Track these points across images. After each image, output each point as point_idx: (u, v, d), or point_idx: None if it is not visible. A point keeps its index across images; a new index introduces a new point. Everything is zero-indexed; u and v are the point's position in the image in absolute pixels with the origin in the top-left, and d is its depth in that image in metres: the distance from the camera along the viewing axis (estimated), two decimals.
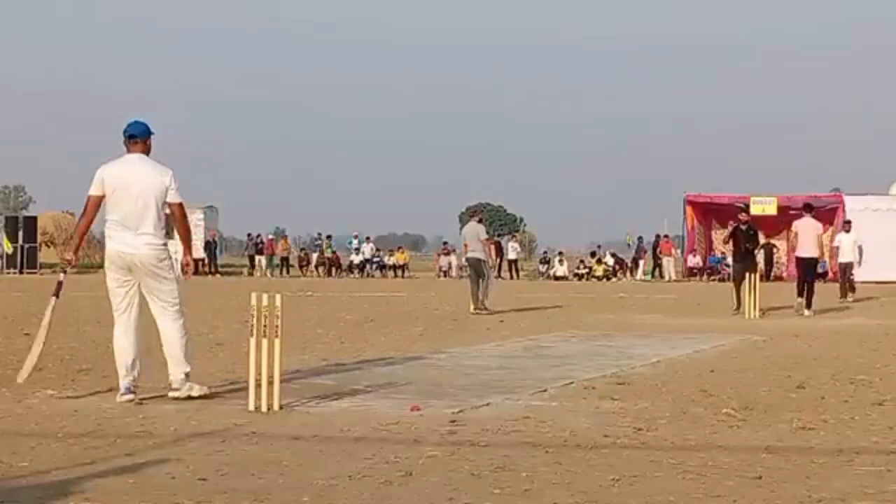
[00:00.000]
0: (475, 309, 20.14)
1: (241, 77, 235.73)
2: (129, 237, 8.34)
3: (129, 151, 8.53)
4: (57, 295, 8.62)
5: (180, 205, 8.56)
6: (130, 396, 8.29)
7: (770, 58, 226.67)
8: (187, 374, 8.47)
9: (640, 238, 48.57)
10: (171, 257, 8.57)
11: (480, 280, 20.46)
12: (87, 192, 8.45)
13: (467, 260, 21.66)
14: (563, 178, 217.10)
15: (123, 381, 8.37)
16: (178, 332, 8.45)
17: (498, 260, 49.44)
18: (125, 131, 8.53)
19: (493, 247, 21.74)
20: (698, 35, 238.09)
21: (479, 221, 21.90)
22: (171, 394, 8.44)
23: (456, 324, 17.41)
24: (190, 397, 8.37)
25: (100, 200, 8.45)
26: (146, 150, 8.56)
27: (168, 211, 8.55)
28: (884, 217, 39.28)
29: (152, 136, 8.62)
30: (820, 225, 21.30)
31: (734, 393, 8.95)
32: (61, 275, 8.72)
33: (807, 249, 20.33)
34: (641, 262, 46.67)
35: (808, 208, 21.28)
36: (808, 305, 20.10)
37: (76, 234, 8.85)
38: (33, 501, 5.28)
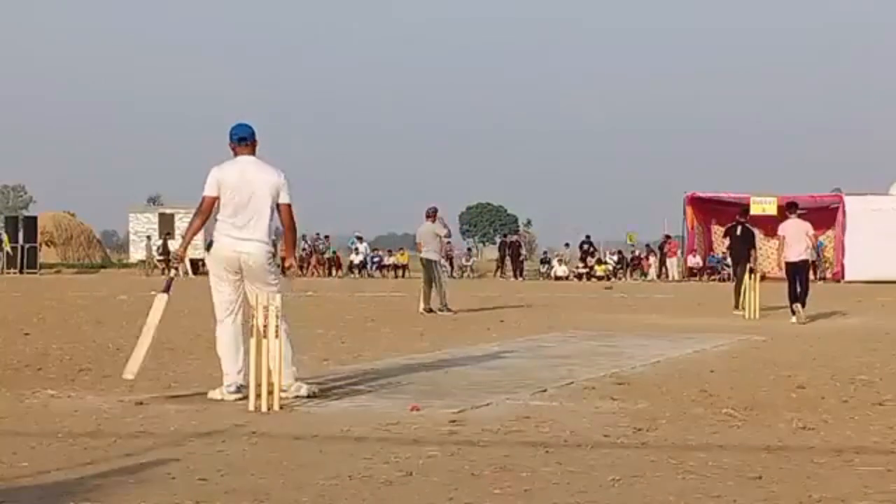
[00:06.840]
0: (424, 309, 19.90)
1: (239, 77, 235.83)
2: (239, 238, 8.34)
3: (236, 154, 8.50)
4: (167, 291, 8.55)
5: (288, 206, 8.48)
6: (240, 395, 8.25)
7: (770, 58, 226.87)
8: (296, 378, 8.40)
9: (648, 245, 48.16)
10: (276, 261, 8.52)
11: (433, 281, 20.24)
12: (201, 193, 8.40)
13: (420, 260, 21.19)
14: (563, 179, 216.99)
15: (231, 379, 8.35)
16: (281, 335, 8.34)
17: (497, 259, 49.44)
18: (233, 134, 8.48)
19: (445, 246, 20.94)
20: (699, 34, 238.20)
21: (434, 220, 20.96)
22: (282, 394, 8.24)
23: (456, 324, 17.41)
24: (297, 397, 8.31)
25: (214, 201, 8.41)
26: (254, 153, 8.53)
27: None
28: (884, 217, 39.26)
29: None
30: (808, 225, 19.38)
31: (734, 393, 8.95)
32: (172, 272, 8.63)
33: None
34: (654, 261, 46.13)
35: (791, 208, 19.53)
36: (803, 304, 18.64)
37: (189, 233, 8.61)
38: (33, 501, 5.28)
